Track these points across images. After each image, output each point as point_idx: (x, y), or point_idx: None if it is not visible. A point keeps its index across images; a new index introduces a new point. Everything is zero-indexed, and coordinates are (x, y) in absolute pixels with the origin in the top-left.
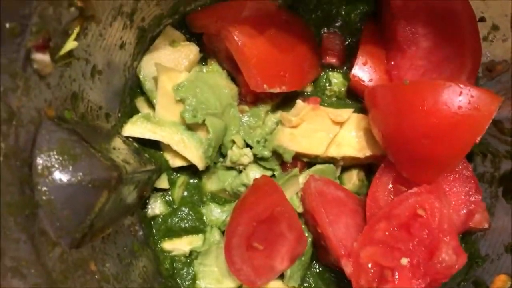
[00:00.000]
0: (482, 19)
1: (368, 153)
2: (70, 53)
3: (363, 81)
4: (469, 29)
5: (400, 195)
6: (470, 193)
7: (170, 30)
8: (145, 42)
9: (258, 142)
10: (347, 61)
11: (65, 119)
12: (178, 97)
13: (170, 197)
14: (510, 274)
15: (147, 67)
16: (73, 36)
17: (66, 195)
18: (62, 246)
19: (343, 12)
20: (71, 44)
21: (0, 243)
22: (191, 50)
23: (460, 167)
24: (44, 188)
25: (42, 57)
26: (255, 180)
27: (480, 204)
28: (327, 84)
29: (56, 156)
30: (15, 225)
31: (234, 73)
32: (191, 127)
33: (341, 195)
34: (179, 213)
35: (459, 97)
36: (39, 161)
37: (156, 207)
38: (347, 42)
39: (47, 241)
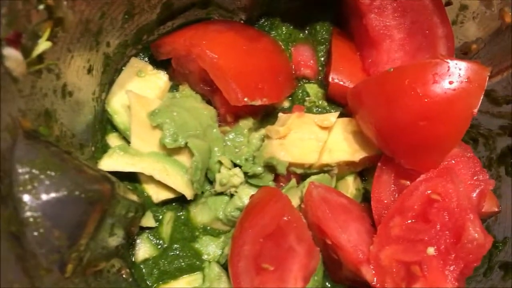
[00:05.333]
0: (449, 3)
1: (362, 155)
2: (41, 59)
3: (343, 82)
4: (438, 15)
5: (408, 187)
6: (477, 173)
7: (135, 60)
8: (112, 73)
9: (246, 160)
10: (320, 71)
11: (41, 134)
12: (154, 123)
13: (158, 237)
14: None
15: (116, 98)
16: (45, 36)
17: (55, 211)
18: (55, 272)
19: (307, 26)
20: (44, 45)
21: None
22: (160, 78)
23: (459, 149)
24: (29, 203)
25: (14, 54)
26: (254, 195)
27: (489, 182)
28: (305, 96)
29: (39, 166)
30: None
31: (210, 95)
32: (172, 154)
33: (345, 201)
34: (171, 252)
35: (448, 72)
36: (20, 173)
37: (143, 249)
38: (318, 53)
39: (39, 266)
